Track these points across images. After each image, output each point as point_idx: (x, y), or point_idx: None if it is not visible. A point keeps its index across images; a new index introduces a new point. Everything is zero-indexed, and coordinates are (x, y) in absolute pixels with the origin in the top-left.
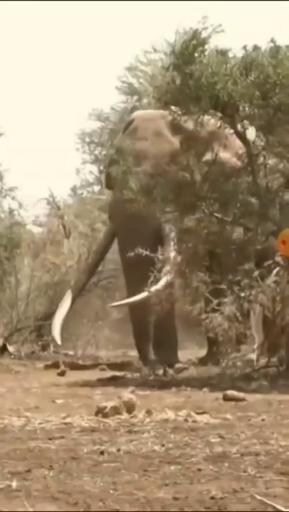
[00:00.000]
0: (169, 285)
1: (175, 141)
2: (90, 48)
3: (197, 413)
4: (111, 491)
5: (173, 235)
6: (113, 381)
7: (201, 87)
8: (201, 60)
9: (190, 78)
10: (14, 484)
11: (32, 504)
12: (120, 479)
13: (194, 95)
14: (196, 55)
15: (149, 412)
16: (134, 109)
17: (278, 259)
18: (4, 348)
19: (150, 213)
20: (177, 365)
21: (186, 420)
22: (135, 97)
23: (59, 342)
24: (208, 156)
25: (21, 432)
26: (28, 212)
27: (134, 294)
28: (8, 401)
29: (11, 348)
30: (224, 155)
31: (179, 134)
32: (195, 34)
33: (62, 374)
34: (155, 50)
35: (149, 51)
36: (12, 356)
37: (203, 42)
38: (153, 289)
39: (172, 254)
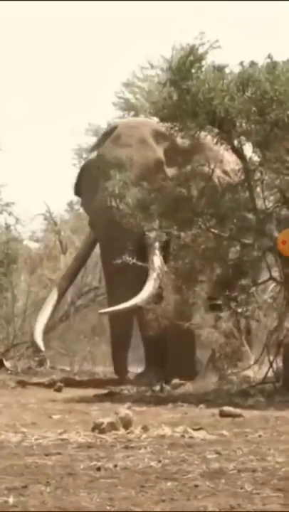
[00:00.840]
0: (156, 295)
1: (159, 149)
2: (87, 64)
3: (194, 429)
4: (108, 507)
5: (157, 244)
6: (110, 397)
7: (197, 103)
8: (198, 75)
9: (187, 94)
10: (11, 500)
11: None
12: (117, 495)
13: (191, 111)
14: (193, 70)
15: (145, 428)
16: None
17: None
18: (1, 364)
19: (133, 221)
20: (174, 381)
21: (182, 436)
22: (132, 113)
23: (42, 348)
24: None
25: (18, 448)
26: (25, 227)
27: (117, 303)
28: (4, 417)
29: (7, 364)
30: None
31: (163, 143)
32: (192, 50)
33: (58, 390)
34: (152, 66)
35: (145, 67)
36: (9, 372)
37: (200, 58)
38: (140, 297)
39: (157, 262)
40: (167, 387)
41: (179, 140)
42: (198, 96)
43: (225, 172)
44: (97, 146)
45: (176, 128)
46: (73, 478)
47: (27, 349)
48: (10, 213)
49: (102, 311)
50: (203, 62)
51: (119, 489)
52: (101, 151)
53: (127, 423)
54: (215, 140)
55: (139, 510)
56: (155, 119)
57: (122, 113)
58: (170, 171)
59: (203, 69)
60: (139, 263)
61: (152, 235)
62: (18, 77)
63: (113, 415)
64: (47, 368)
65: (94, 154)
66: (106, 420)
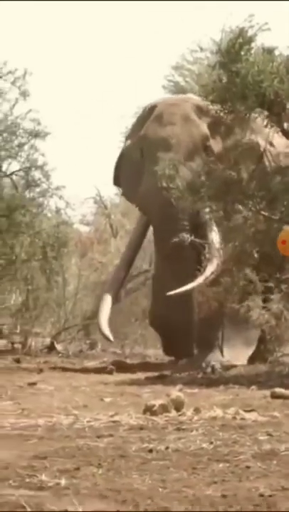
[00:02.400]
0: (218, 274)
1: (203, 125)
2: (137, 48)
3: (245, 411)
4: (159, 489)
5: (212, 221)
6: (161, 379)
7: (247, 86)
8: (247, 58)
9: (236, 76)
10: (63, 482)
11: (81, 502)
12: (169, 477)
13: (240, 93)
14: (242, 53)
15: (197, 410)
16: None
17: None
18: (52, 347)
19: (186, 200)
20: (225, 363)
21: (234, 418)
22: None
23: (111, 339)
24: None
25: (70, 430)
26: (75, 211)
27: (177, 284)
28: (56, 399)
29: (58, 347)
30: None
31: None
32: (241, 32)
33: (110, 373)
34: (201, 49)
35: (195, 50)
36: (60, 355)
37: (250, 40)
38: (204, 275)
39: (216, 239)
40: (219, 369)
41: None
42: (247, 78)
43: (275, 154)
44: (133, 132)
45: (226, 110)
46: (125, 460)
47: (78, 332)
48: (60, 197)
49: (172, 292)
50: (253, 45)
51: (171, 471)
52: (143, 133)
53: (178, 405)
54: (265, 122)
55: (191, 492)
56: (194, 95)
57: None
58: (216, 146)
59: (253, 51)
60: (199, 240)
61: (207, 211)
62: (69, 62)
63: (165, 397)
64: (98, 351)
65: (129, 142)
66: (158, 402)
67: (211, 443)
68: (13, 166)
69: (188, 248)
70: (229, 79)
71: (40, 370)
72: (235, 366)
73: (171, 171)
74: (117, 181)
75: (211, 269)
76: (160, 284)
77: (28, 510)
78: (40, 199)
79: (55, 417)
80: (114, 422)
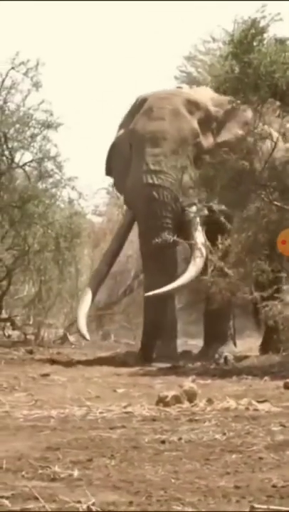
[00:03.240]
0: (202, 271)
1: (193, 120)
2: (149, 38)
3: (258, 401)
4: (172, 480)
5: (198, 219)
6: (174, 370)
7: (259, 76)
8: (259, 48)
9: (249, 67)
10: (76, 473)
11: (93, 493)
12: (182, 468)
13: (253, 84)
14: (254, 43)
15: (210, 401)
16: None
17: None
18: (65, 338)
19: (171, 197)
20: (238, 354)
21: (247, 409)
22: (194, 87)
23: (88, 338)
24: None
25: (83, 422)
26: (88, 202)
27: (158, 282)
28: (69, 391)
29: (71, 338)
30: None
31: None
32: (253, 23)
33: (123, 364)
34: (214, 40)
35: (207, 40)
36: (73, 346)
37: (262, 31)
38: (187, 276)
39: (200, 238)
40: (231, 360)
41: (212, 109)
42: (260, 69)
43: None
44: (125, 122)
45: (239, 101)
46: (138, 452)
47: (91, 323)
48: (73, 188)
49: (149, 293)
50: (265, 35)
51: (184, 462)
52: (132, 127)
53: (191, 396)
54: (277, 113)
55: (203, 483)
56: (186, 89)
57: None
58: (206, 142)
59: (265, 42)
60: (182, 240)
61: (193, 210)
62: (81, 53)
63: (177, 388)
64: (111, 342)
65: (122, 132)
66: (170, 393)
67: (224, 434)
68: (25, 157)
69: (171, 246)
70: (241, 69)
71: (53, 362)
72: (247, 357)
73: (157, 167)
74: (109, 172)
75: (193, 269)
76: (145, 282)
77: (41, 501)
78: (53, 190)
79: (68, 408)
80: (127, 413)
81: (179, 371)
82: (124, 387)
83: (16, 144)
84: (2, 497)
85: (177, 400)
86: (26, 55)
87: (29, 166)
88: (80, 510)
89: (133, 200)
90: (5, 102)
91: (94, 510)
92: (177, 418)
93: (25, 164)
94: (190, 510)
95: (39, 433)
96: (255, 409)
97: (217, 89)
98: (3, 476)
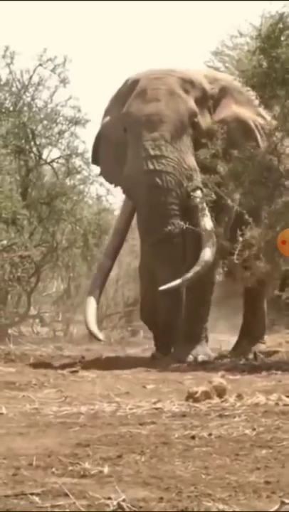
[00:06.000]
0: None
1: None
2: (177, 33)
3: (288, 397)
4: (202, 476)
5: (205, 204)
6: (203, 366)
7: (287, 71)
8: (287, 43)
9: (276, 62)
10: (106, 470)
11: (123, 489)
12: (212, 464)
13: (281, 79)
14: (282, 38)
15: (239, 396)
16: None
17: None
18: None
19: (175, 182)
20: (268, 349)
21: (277, 404)
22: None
23: (100, 338)
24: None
25: (112, 418)
26: (116, 198)
27: (167, 275)
28: (98, 387)
29: (100, 335)
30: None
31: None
32: (281, 17)
33: (151, 359)
34: (241, 34)
35: (235, 35)
36: (102, 342)
37: None
38: (199, 265)
39: (209, 224)
40: (261, 355)
41: (207, 86)
42: (287, 64)
43: None
44: (112, 108)
45: (266, 96)
46: (168, 447)
47: (120, 319)
48: (101, 184)
49: (164, 287)
50: None
51: (214, 457)
52: (126, 110)
53: (221, 391)
54: None
55: (234, 479)
56: (180, 68)
57: None
58: (204, 122)
59: None
60: (192, 227)
61: (198, 194)
62: (109, 49)
63: (207, 384)
64: (140, 338)
65: (108, 118)
66: (200, 389)
67: (254, 429)
68: (53, 153)
69: (179, 234)
70: (269, 64)
71: (83, 358)
72: (277, 352)
73: (157, 152)
74: (95, 160)
75: (205, 259)
76: (148, 274)
77: (72, 497)
78: (81, 186)
79: (97, 405)
80: (156, 409)
81: (208, 367)
82: (153, 383)
83: (43, 140)
84: (32, 494)
85: (207, 395)
86: (54, 52)
87: (57, 162)
88: (111, 506)
89: (133, 188)
90: (33, 99)
91: (124, 506)
92: (207, 414)
93: (53, 161)
94: (220, 505)
95: (69, 429)
96: (285, 405)
97: (245, 84)
98: (33, 473)
